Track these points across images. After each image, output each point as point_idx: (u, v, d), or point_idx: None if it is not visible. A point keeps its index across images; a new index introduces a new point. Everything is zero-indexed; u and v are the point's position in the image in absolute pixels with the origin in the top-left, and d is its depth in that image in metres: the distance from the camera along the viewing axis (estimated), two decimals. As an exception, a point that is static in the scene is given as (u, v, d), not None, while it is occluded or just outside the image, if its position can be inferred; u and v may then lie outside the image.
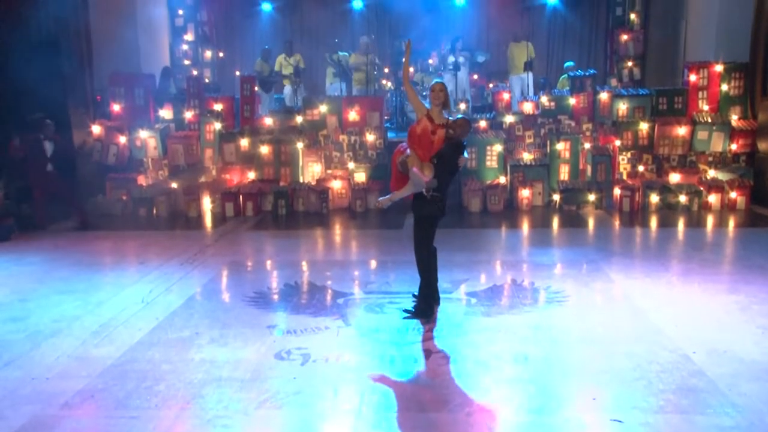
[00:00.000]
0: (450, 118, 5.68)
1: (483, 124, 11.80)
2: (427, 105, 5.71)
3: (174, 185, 11.26)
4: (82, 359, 5.09)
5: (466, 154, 5.69)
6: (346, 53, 14.11)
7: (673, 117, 11.56)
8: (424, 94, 5.91)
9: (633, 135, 11.49)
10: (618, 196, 10.65)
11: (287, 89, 13.92)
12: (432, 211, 5.59)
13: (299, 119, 12.07)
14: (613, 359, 4.90)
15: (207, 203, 10.93)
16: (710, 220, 9.84)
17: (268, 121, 12.19)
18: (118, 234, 9.49)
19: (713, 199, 10.52)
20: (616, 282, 6.76)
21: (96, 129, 11.78)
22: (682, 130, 11.32)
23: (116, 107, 12.19)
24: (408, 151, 5.63)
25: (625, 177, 11.27)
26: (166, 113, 12.32)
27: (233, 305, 6.28)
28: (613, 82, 14.73)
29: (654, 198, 10.56)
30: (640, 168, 11.45)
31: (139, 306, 6.25)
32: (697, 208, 10.44)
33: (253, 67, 14.50)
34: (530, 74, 13.15)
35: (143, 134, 11.79)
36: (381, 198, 5.95)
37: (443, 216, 5.72)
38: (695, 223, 9.72)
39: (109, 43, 12.25)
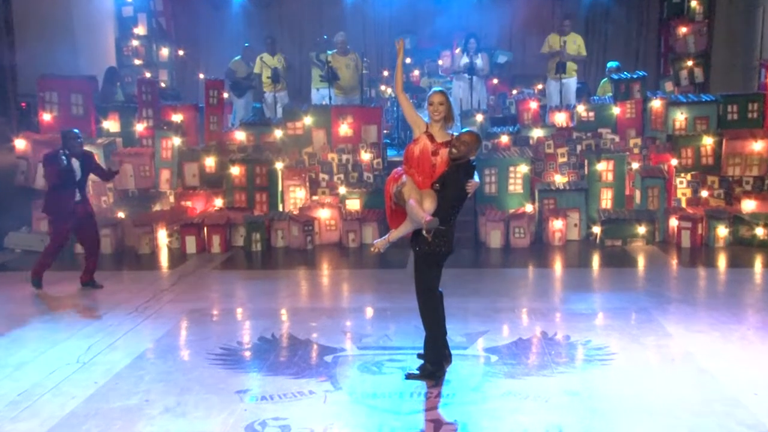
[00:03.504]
0: (455, 134, 5.74)
1: (505, 139, 11.89)
2: (426, 119, 5.77)
3: (121, 215, 11.32)
4: (-3, 437, 5.07)
5: (477, 178, 5.74)
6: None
7: (746, 129, 11.67)
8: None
9: (694, 152, 11.59)
10: (675, 229, 10.70)
11: (268, 96, 14.06)
12: (436, 247, 5.62)
13: (278, 133, 12.16)
14: (672, 434, 4.88)
15: (163, 237, 10.96)
16: (793, 259, 9.89)
17: (240, 136, 12.28)
18: (47, 276, 9.43)
19: (798, 231, 10.57)
20: (675, 336, 6.77)
21: (20, 144, 11.81)
22: (757, 146, 11.42)
23: (47, 117, 12.25)
24: (404, 177, 5.67)
25: (683, 204, 11.32)
26: (111, 125, 12.40)
27: (194, 365, 6.27)
28: (669, 86, 14.89)
29: (722, 231, 10.61)
30: (704, 193, 11.52)
31: (73, 367, 6.23)
32: (778, 243, 10.49)
33: (225, 66, 14.60)
34: (571, 78, 13.18)
35: (83, 151, 11.87)
36: (376, 241, 5.99)
37: (451, 253, 5.75)
38: (774, 262, 9.78)
39: (37, 38, 12.35)
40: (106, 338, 6.94)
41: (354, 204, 11.48)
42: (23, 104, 12.42)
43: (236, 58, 14.45)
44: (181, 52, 16.53)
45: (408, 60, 15.60)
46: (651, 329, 6.97)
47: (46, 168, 8.72)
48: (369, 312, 7.87)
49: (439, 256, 5.70)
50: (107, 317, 7.59)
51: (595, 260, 10.08)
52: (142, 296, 8.36)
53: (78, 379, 5.98)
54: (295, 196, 11.67)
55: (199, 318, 7.65)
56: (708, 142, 11.57)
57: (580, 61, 13.70)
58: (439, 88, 5.99)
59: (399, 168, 5.87)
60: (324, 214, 11.20)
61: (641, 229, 10.75)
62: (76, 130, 8.84)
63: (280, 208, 11.57)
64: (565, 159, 11.82)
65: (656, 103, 12.03)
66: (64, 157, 8.46)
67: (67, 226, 8.69)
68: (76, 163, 8.60)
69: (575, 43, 13.37)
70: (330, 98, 12.99)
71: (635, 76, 12.29)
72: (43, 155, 8.96)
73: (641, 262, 9.89)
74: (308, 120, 12.12)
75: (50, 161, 8.55)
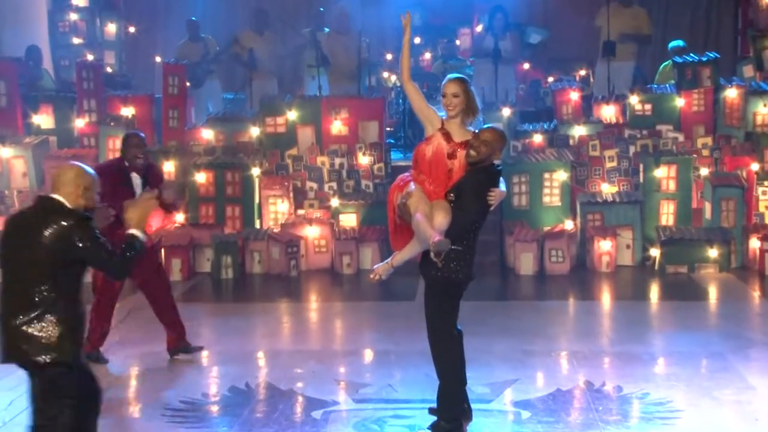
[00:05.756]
0: (476, 131, 5.74)
1: (538, 139, 11.90)
2: (442, 114, 5.79)
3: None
4: None
5: (503, 186, 5.74)
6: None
7: None
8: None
9: (780, 155, 11.61)
10: (756, 252, 10.70)
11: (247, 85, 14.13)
12: (452, 273, 5.61)
13: (255, 131, 12.18)
14: None
15: (107, 262, 10.95)
16: None
17: (207, 134, 12.30)
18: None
19: None
20: (758, 389, 6.76)
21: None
22: None
23: (-42, 110, 12.32)
24: (412, 185, 5.67)
25: (767, 221, 11.32)
26: (43, 120, 12.42)
27: (147, 423, 6.29)
28: (748, 71, 14.84)
29: (817, 254, 10.62)
30: (793, 207, 11.53)
31: (-5, 426, 6.24)
32: None
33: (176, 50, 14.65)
34: (626, 62, 13.19)
35: (5, 152, 11.88)
36: (376, 266, 6.01)
37: (471, 281, 5.75)
38: None
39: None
40: (37, 389, 6.94)
41: (349, 220, 11.49)
42: None
43: (182, 40, 14.47)
44: (132, 29, 16.55)
45: (417, 40, 15.65)
46: (727, 380, 6.95)
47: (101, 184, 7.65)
48: (368, 356, 7.89)
49: (457, 284, 5.69)
50: (38, 362, 7.58)
51: (654, 291, 10.09)
52: (82, 336, 8.35)
53: (0, 441, 5.98)
54: (276, 210, 11.68)
55: (154, 363, 7.66)
56: (798, 142, 11.61)
57: (643, 41, 13.72)
58: (456, 75, 5.99)
59: (407, 173, 5.87)
60: (312, 233, 11.22)
61: (713, 252, 10.74)
62: (142, 134, 8.16)
63: (257, 225, 11.60)
64: (614, 163, 11.81)
65: (732, 93, 12.02)
66: (136, 175, 7.63)
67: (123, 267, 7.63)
68: (136, 179, 7.73)
69: (642, 17, 13.47)
70: (320, 88, 13.01)
71: (705, 59, 12.24)
72: (97, 166, 7.75)
73: (713, 293, 9.90)
74: (292, 115, 12.12)
75: (107, 175, 7.29)
